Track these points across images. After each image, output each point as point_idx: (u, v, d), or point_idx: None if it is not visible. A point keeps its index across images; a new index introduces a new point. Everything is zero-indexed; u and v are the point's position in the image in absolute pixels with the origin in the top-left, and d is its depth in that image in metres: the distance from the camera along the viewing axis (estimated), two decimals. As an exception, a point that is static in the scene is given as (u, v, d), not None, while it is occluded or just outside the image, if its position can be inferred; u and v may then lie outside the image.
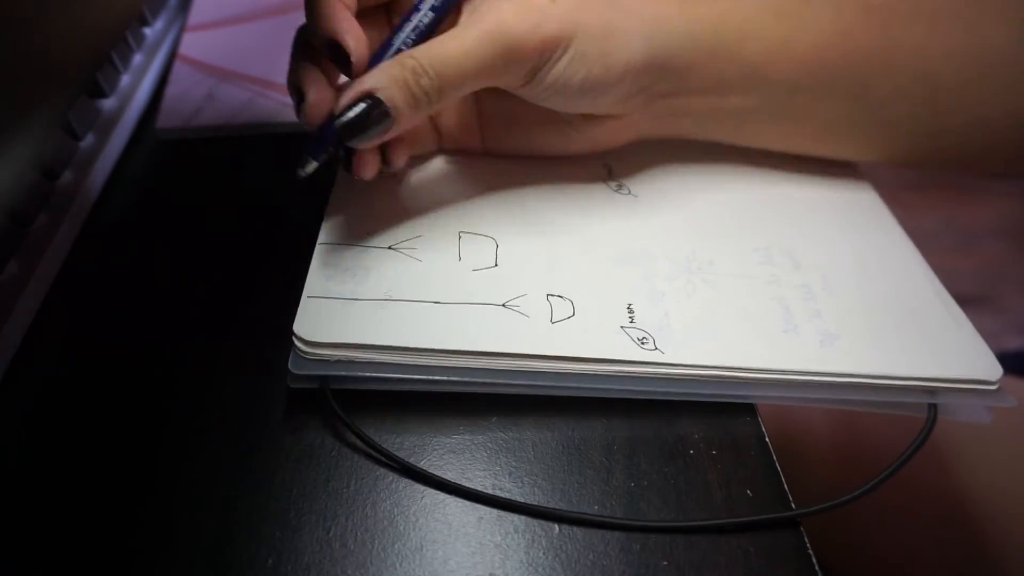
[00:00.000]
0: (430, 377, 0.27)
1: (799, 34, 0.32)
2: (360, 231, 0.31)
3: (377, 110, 0.27)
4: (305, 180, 0.29)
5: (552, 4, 0.28)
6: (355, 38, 0.27)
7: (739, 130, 0.35)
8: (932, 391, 0.28)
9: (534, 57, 0.28)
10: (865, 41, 0.32)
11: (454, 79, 0.27)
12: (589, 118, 0.33)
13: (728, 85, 0.32)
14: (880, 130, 0.34)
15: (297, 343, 0.26)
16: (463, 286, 0.29)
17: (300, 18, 0.30)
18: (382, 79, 0.27)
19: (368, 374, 0.26)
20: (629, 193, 0.35)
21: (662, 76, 0.31)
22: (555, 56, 0.28)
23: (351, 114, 0.27)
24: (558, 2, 0.28)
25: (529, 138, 0.35)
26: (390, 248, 0.30)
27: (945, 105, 0.33)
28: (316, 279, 0.28)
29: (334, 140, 0.28)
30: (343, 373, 0.26)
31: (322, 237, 0.30)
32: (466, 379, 0.27)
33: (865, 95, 0.33)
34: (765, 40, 0.31)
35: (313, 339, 0.26)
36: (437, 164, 0.35)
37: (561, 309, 0.28)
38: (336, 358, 0.26)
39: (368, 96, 0.27)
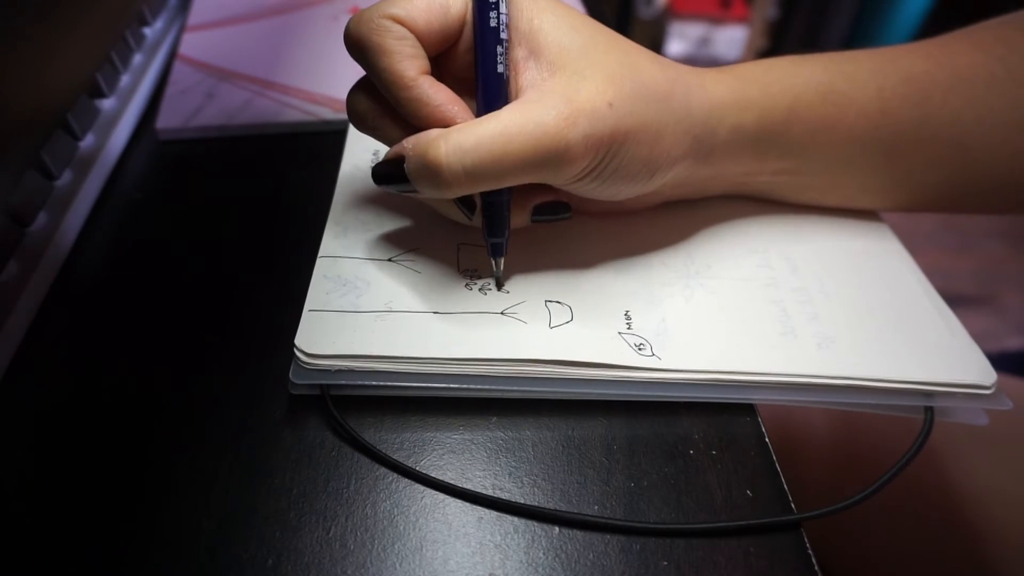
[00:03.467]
0: (430, 384, 0.27)
1: (843, 115, 0.31)
2: (360, 244, 0.31)
3: (401, 172, 0.26)
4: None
5: (609, 108, 0.25)
6: (462, 110, 0.26)
7: (765, 194, 0.35)
8: (929, 394, 0.28)
9: (581, 166, 0.26)
10: (904, 116, 0.32)
11: (486, 179, 0.25)
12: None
13: (764, 167, 0.33)
14: (908, 192, 0.34)
15: (298, 355, 0.26)
16: (462, 296, 0.29)
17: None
18: (412, 150, 0.26)
19: (368, 382, 0.27)
20: None
21: (703, 166, 0.31)
22: (603, 161, 0.26)
23: (380, 167, 0.27)
24: (615, 106, 0.26)
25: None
26: (390, 260, 0.30)
27: (974, 168, 0.33)
28: (317, 293, 0.28)
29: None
30: (343, 382, 0.27)
31: (323, 250, 0.30)
32: (465, 385, 0.27)
33: (897, 165, 0.33)
34: (809, 123, 0.31)
35: (314, 351, 0.26)
36: None
37: (559, 314, 0.28)
38: (336, 368, 0.26)
39: (400, 157, 0.26)
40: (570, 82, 0.26)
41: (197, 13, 0.51)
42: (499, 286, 0.30)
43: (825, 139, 0.32)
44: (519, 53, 0.27)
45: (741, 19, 1.77)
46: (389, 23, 0.25)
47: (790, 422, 0.49)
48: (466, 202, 0.28)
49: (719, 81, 0.30)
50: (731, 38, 1.78)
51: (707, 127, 0.29)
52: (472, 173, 0.24)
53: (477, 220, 0.29)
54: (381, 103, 0.27)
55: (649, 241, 0.33)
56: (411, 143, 0.26)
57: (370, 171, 0.34)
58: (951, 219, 1.51)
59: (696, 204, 0.35)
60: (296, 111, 0.42)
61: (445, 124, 0.26)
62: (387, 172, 0.27)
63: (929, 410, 0.28)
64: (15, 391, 0.28)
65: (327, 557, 0.23)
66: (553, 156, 0.25)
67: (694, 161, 0.30)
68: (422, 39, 0.26)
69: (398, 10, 0.25)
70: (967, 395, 0.28)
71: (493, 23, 0.26)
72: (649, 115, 0.27)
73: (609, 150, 0.26)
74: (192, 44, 0.48)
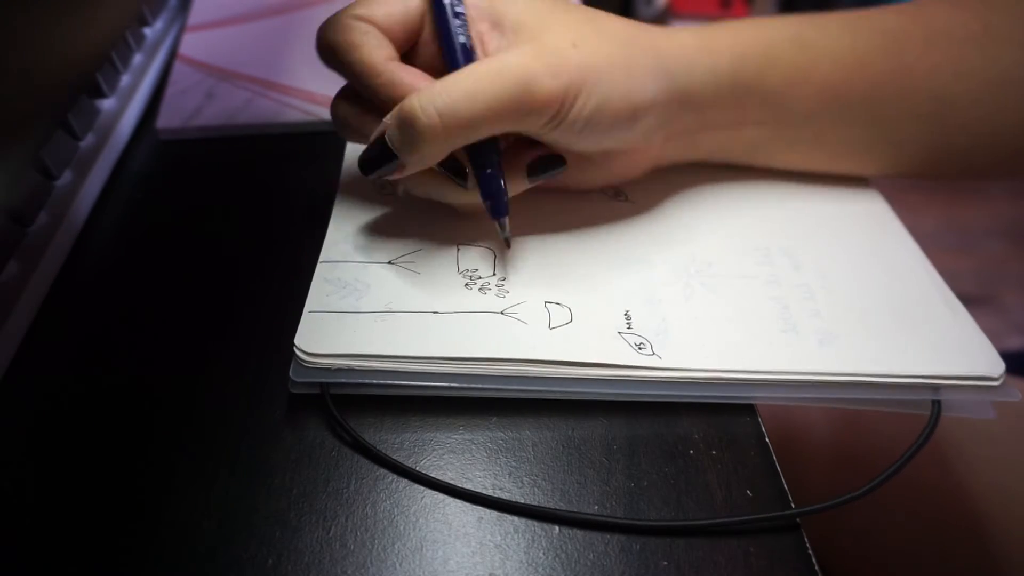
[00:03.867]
0: (430, 383, 0.27)
1: (817, 63, 0.32)
2: (360, 248, 0.31)
3: (385, 148, 0.27)
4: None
5: (573, 48, 0.27)
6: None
7: (753, 155, 0.35)
8: (935, 388, 0.28)
9: (555, 103, 0.26)
10: (881, 67, 0.32)
11: (462, 122, 0.25)
12: (608, 154, 0.32)
13: (746, 116, 0.33)
14: (891, 149, 0.35)
15: (298, 354, 0.26)
16: (462, 295, 0.29)
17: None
18: (389, 118, 0.26)
19: (368, 381, 0.27)
20: (626, 199, 0.35)
21: (683, 111, 0.31)
22: (578, 101, 0.27)
23: (365, 153, 0.28)
24: (579, 47, 0.27)
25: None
26: (390, 263, 0.30)
27: (955, 125, 0.33)
28: (317, 295, 0.28)
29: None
30: (343, 380, 0.27)
31: (323, 255, 0.30)
32: (465, 385, 0.27)
33: (878, 118, 0.33)
34: (784, 71, 0.32)
35: (314, 351, 0.26)
36: None
37: (559, 316, 0.28)
38: (336, 367, 0.26)
39: (381, 134, 0.27)
40: (533, 35, 0.27)
41: (197, 13, 0.51)
42: (507, 245, 0.31)
43: (801, 88, 0.32)
44: (483, 27, 0.28)
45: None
46: (353, 21, 0.27)
47: (790, 422, 0.49)
48: (454, 169, 0.29)
49: (687, 31, 0.32)
50: (731, 38, 1.78)
51: (682, 65, 0.30)
52: (445, 114, 0.25)
53: (473, 188, 0.29)
54: (361, 104, 0.29)
55: (649, 240, 0.33)
56: (389, 116, 0.27)
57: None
58: (952, 219, 1.51)
59: (696, 203, 0.35)
60: (296, 111, 0.42)
61: None
62: (371, 155, 0.28)
63: (936, 404, 0.28)
64: (15, 391, 0.28)
65: (327, 557, 0.23)
66: (524, 92, 0.26)
67: (674, 106, 0.30)
68: (385, 32, 0.28)
69: (360, 10, 0.28)
70: (975, 387, 0.28)
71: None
72: (615, 53, 0.28)
73: (582, 88, 0.27)
74: (192, 44, 0.48)
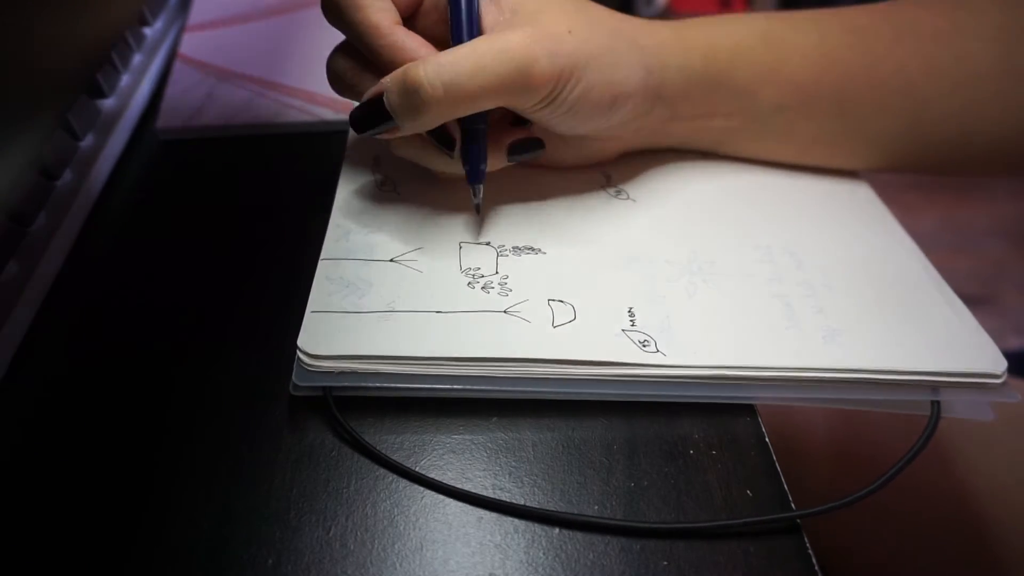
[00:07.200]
0: (433, 386, 0.27)
1: (786, 60, 0.33)
2: (362, 245, 0.31)
3: (381, 109, 0.28)
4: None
5: (569, 35, 0.28)
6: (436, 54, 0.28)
7: (722, 145, 0.37)
8: (935, 387, 0.28)
9: (549, 85, 0.28)
10: (849, 62, 0.33)
11: (464, 95, 0.27)
12: (583, 138, 0.33)
13: (716, 109, 0.34)
14: (863, 144, 0.36)
15: (301, 356, 0.26)
16: (465, 295, 0.29)
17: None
18: (390, 82, 0.27)
19: (372, 384, 0.27)
20: (628, 198, 0.35)
21: (656, 104, 0.32)
22: (568, 84, 0.28)
23: (358, 110, 0.29)
24: (574, 33, 0.28)
25: None
26: (392, 261, 0.30)
27: (926, 120, 0.34)
28: (319, 294, 0.28)
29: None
30: (346, 384, 0.27)
31: (324, 252, 0.30)
32: (469, 386, 0.27)
33: (848, 112, 0.34)
34: (753, 66, 0.33)
35: (317, 352, 0.26)
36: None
37: (562, 314, 0.28)
38: (340, 370, 0.26)
39: (378, 95, 0.28)
40: (531, 17, 0.29)
41: (197, 13, 0.51)
42: (478, 211, 0.32)
43: (770, 83, 0.33)
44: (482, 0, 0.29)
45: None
46: None
47: (790, 422, 0.49)
48: (444, 139, 0.30)
49: (664, 25, 0.33)
50: (731, 38, 1.78)
51: (657, 59, 0.31)
52: (450, 88, 0.26)
53: (458, 158, 0.30)
54: (358, 60, 0.30)
55: (651, 238, 0.33)
56: (389, 78, 0.27)
57: (372, 168, 0.35)
58: (951, 219, 1.51)
59: (697, 202, 0.35)
60: (297, 111, 0.42)
61: None
62: (365, 113, 0.28)
63: (935, 404, 0.28)
64: (15, 391, 0.28)
65: (327, 557, 0.23)
66: (523, 72, 0.27)
67: (649, 98, 0.32)
68: None
69: None
70: (975, 385, 0.27)
71: None
72: (605, 43, 0.29)
73: (573, 73, 0.28)
74: (192, 44, 0.48)
